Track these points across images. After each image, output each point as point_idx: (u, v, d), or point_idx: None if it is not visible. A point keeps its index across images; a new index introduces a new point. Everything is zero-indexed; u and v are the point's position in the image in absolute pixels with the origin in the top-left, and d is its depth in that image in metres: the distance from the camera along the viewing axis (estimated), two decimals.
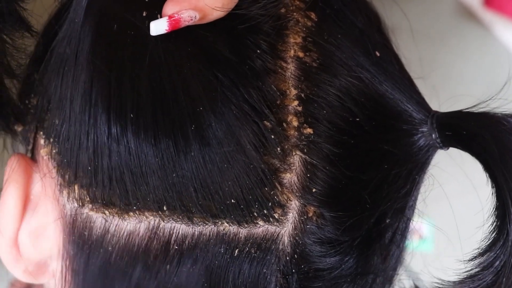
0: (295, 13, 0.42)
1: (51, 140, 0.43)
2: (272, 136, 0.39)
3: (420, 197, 0.47)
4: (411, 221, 0.46)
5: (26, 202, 0.44)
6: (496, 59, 1.26)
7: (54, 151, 0.42)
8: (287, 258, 0.40)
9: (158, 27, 0.39)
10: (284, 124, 0.40)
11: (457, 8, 1.29)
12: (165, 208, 0.39)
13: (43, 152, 0.43)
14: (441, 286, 0.43)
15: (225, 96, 0.39)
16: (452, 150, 0.44)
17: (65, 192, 0.42)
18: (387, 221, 0.43)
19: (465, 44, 1.26)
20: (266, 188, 0.39)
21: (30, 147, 0.48)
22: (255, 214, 0.39)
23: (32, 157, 0.47)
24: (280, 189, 0.39)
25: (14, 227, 0.44)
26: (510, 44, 1.27)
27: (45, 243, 0.44)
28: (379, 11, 0.49)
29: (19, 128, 0.49)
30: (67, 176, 0.41)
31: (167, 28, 0.39)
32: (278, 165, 0.39)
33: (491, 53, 1.27)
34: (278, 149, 0.39)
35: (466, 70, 1.22)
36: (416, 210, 0.47)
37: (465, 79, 1.21)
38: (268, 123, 0.39)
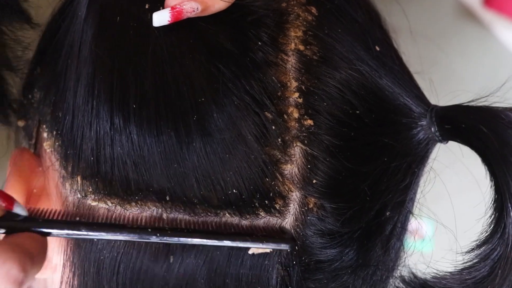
0: (296, 7, 0.43)
1: (54, 133, 0.43)
2: (273, 127, 0.39)
3: (420, 192, 0.47)
4: (411, 214, 0.46)
5: (28, 195, 0.45)
6: (496, 59, 1.26)
7: (57, 143, 0.43)
8: (288, 250, 0.41)
9: (161, 18, 0.39)
10: (285, 116, 0.40)
11: (457, 8, 1.29)
12: (167, 198, 0.39)
13: (46, 146, 0.44)
14: (438, 276, 0.44)
15: (226, 87, 0.39)
16: (452, 144, 0.45)
17: (67, 184, 0.42)
18: (387, 213, 0.43)
19: (465, 43, 1.26)
20: (267, 179, 0.39)
21: (33, 142, 0.48)
22: (257, 204, 0.39)
23: (35, 151, 0.48)
24: (281, 180, 0.40)
25: None
26: (510, 44, 1.27)
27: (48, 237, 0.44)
28: (381, 10, 0.49)
29: (22, 123, 0.50)
30: (70, 168, 0.42)
31: (170, 19, 0.39)
32: (279, 156, 0.40)
33: (491, 53, 1.27)
34: (279, 140, 0.40)
35: (466, 69, 1.22)
36: (416, 209, 0.48)
37: (465, 79, 1.21)
38: (269, 114, 0.39)
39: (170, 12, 0.39)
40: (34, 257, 0.37)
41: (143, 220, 0.40)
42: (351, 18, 0.44)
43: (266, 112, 0.39)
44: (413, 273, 0.46)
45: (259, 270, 0.41)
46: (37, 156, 0.46)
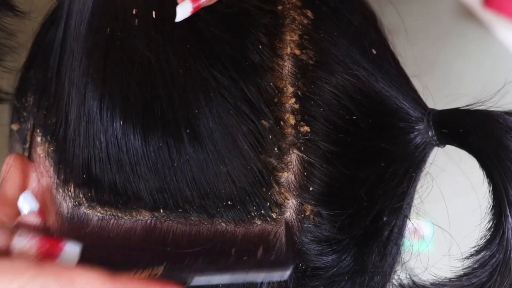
0: (291, 11, 0.42)
1: (48, 138, 0.43)
2: (270, 136, 0.39)
3: (418, 197, 0.47)
4: (408, 218, 0.46)
5: None
6: (496, 59, 1.25)
7: (50, 149, 0.42)
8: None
9: (184, 10, 0.38)
10: (281, 122, 0.39)
11: (457, 8, 1.29)
12: (161, 208, 0.39)
13: (40, 150, 0.43)
14: (437, 282, 0.43)
15: (222, 96, 0.38)
16: (450, 149, 0.44)
17: (61, 191, 0.42)
18: (384, 219, 0.43)
19: (465, 44, 1.26)
20: (263, 189, 0.39)
21: (27, 146, 0.48)
22: (252, 214, 0.39)
23: (29, 156, 0.47)
24: (277, 189, 0.39)
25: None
26: (510, 44, 1.27)
27: None
28: (377, 11, 0.49)
29: (16, 127, 0.49)
30: (63, 175, 0.41)
31: (192, 10, 0.38)
32: (275, 164, 0.39)
33: (491, 53, 1.26)
34: (275, 148, 0.39)
35: (466, 69, 1.22)
36: (416, 210, 0.47)
37: (464, 79, 1.21)
38: (266, 122, 0.39)
39: (191, 3, 0.38)
40: None
41: (138, 230, 0.40)
42: (347, 21, 0.44)
43: (263, 120, 0.39)
44: (412, 279, 0.45)
45: None
46: (32, 161, 0.46)
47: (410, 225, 0.47)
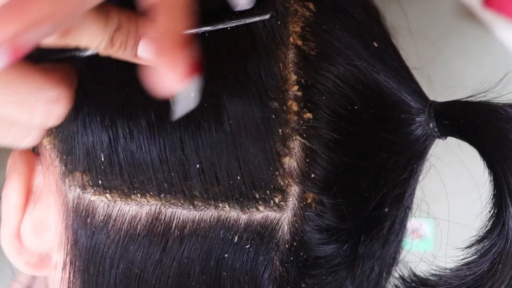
0: (294, 3, 0.43)
1: (53, 129, 0.43)
2: (277, 119, 0.39)
3: (419, 189, 0.47)
4: (410, 210, 0.46)
5: (28, 194, 0.45)
6: (495, 58, 1.26)
7: (56, 140, 0.43)
8: (286, 245, 0.41)
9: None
10: (285, 108, 0.40)
11: (457, 8, 1.29)
12: (168, 190, 0.40)
13: (45, 142, 0.44)
14: (438, 273, 0.44)
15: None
16: (452, 142, 0.45)
17: (67, 181, 0.42)
18: (386, 209, 0.43)
19: (465, 43, 1.27)
20: (270, 171, 0.39)
21: None
22: (257, 196, 0.39)
23: (34, 149, 0.48)
24: (281, 174, 0.40)
25: (16, 219, 0.44)
26: (510, 44, 1.27)
27: (47, 235, 0.45)
28: (380, 8, 0.49)
29: None
30: (69, 164, 0.42)
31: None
32: (279, 149, 0.40)
33: (491, 52, 1.27)
34: (280, 132, 0.40)
35: (466, 69, 1.22)
36: (415, 209, 0.48)
37: (464, 78, 1.21)
38: (273, 105, 0.39)
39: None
40: None
41: (142, 216, 0.40)
42: (349, 14, 0.45)
43: (271, 103, 0.39)
44: (413, 272, 0.46)
45: (256, 265, 0.41)
46: (37, 154, 0.46)
47: (410, 224, 0.47)
